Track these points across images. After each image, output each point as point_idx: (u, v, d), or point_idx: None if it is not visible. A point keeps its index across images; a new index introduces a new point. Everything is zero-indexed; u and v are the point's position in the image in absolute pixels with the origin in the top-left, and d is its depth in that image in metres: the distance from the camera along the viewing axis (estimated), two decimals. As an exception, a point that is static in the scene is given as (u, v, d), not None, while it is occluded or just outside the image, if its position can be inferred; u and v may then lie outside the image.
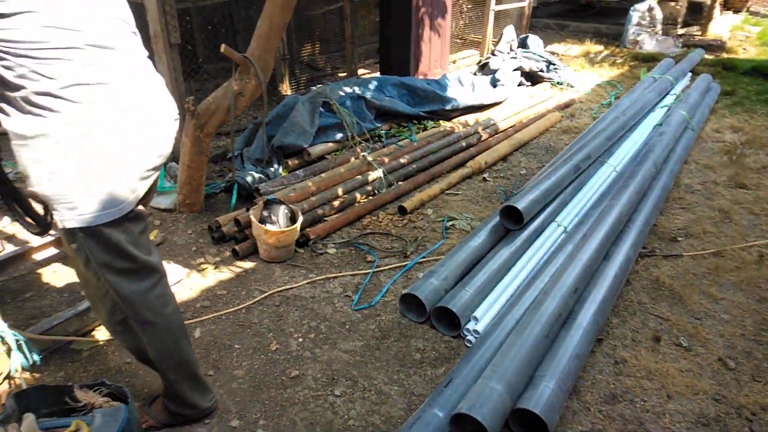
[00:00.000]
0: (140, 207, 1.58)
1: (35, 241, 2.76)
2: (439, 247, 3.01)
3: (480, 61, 6.16)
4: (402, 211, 3.33)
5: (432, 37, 5.31)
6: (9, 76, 1.30)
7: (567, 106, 5.27)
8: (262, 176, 3.52)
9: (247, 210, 3.06)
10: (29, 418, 1.37)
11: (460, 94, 4.85)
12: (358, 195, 3.43)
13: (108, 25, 1.44)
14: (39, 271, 2.78)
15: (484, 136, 4.40)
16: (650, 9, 7.39)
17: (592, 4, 9.93)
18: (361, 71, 5.79)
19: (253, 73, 2.90)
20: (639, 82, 5.31)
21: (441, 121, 4.68)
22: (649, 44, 7.24)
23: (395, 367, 2.20)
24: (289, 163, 3.75)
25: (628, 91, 5.18)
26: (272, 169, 3.64)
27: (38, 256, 2.70)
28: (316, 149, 3.86)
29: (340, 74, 5.71)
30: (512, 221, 2.80)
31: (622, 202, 2.91)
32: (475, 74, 5.78)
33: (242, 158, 3.73)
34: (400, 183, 3.64)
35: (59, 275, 2.76)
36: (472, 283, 2.43)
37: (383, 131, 4.30)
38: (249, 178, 3.41)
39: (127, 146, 1.45)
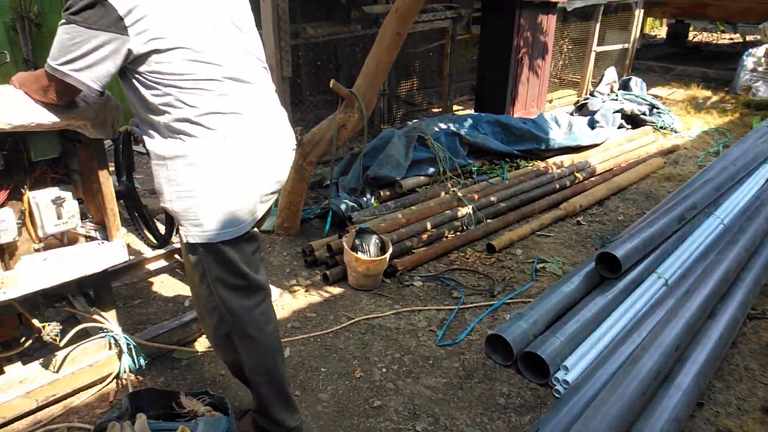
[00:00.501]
0: (255, 229, 1.69)
1: (148, 251, 3.01)
2: (528, 289, 2.95)
3: (578, 102, 6.04)
4: (490, 249, 3.31)
5: (530, 76, 5.30)
6: (157, 103, 1.46)
7: (670, 152, 5.03)
8: (355, 205, 3.63)
9: (340, 237, 3.16)
10: (142, 418, 1.49)
11: (555, 133, 4.78)
12: (446, 230, 3.45)
13: (244, 61, 1.58)
14: (149, 280, 3.02)
15: (580, 177, 4.29)
16: (767, 54, 6.94)
17: (699, 48, 9.49)
18: (455, 107, 5.87)
19: (357, 107, 3.04)
20: (751, 132, 4.98)
21: (535, 161, 4.63)
22: (764, 91, 6.79)
23: (478, 409, 2.16)
24: (382, 194, 3.84)
25: (738, 140, 4.87)
26: (365, 198, 3.75)
27: (150, 267, 2.94)
28: (409, 182, 3.94)
29: (434, 109, 5.81)
30: (608, 269, 2.70)
31: (730, 257, 2.72)
32: (572, 114, 5.68)
33: (338, 186, 3.87)
34: (489, 221, 3.63)
35: (166, 285, 2.98)
36: (563, 330, 2.36)
37: (475, 167, 4.32)
38: (343, 206, 3.53)
39: (251, 171, 1.57)
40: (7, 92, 1.61)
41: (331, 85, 2.93)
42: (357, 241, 2.91)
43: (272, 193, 1.68)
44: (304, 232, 3.53)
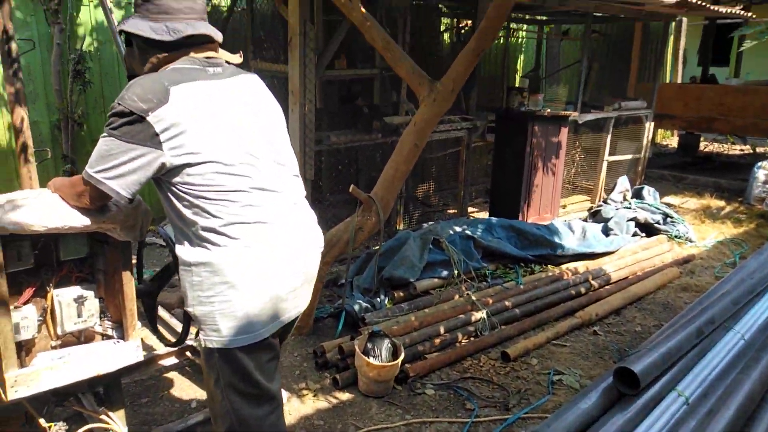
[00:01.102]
0: (275, 339, 1.70)
1: (161, 348, 3.01)
2: (545, 403, 2.86)
3: (591, 208, 6.14)
4: (505, 357, 3.24)
5: (543, 183, 5.45)
6: (186, 212, 1.54)
7: (686, 261, 5.01)
8: (369, 306, 3.64)
9: (352, 339, 3.14)
10: None
11: (569, 240, 4.83)
12: (460, 335, 3.41)
13: (273, 171, 1.67)
14: (159, 377, 2.99)
15: (595, 285, 4.27)
16: (778, 166, 7.08)
17: (710, 158, 9.72)
18: (470, 209, 6.00)
19: (374, 211, 3.14)
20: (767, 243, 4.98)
21: (549, 266, 4.64)
22: (778, 202, 6.85)
23: None
24: (396, 295, 3.85)
25: (754, 251, 4.85)
26: (379, 299, 3.76)
27: (161, 363, 2.92)
28: (423, 284, 3.96)
29: (449, 210, 5.94)
30: (627, 384, 2.62)
31: (754, 377, 2.63)
32: (585, 220, 5.75)
33: (352, 286, 3.90)
34: (503, 327, 3.58)
35: (176, 384, 2.95)
36: (580, 451, 2.25)
37: (489, 271, 4.34)
38: (356, 307, 3.54)
39: (274, 279, 1.61)
40: (44, 196, 1.72)
41: (350, 190, 3.05)
42: (369, 345, 2.89)
43: (297, 301, 1.71)
44: (316, 332, 3.52)
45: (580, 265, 4.62)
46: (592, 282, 4.28)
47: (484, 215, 5.86)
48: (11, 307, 1.70)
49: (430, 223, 5.06)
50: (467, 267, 4.18)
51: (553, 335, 3.52)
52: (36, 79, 4.90)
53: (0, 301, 1.64)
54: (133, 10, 1.64)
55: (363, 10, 2.90)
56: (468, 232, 4.41)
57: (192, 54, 1.62)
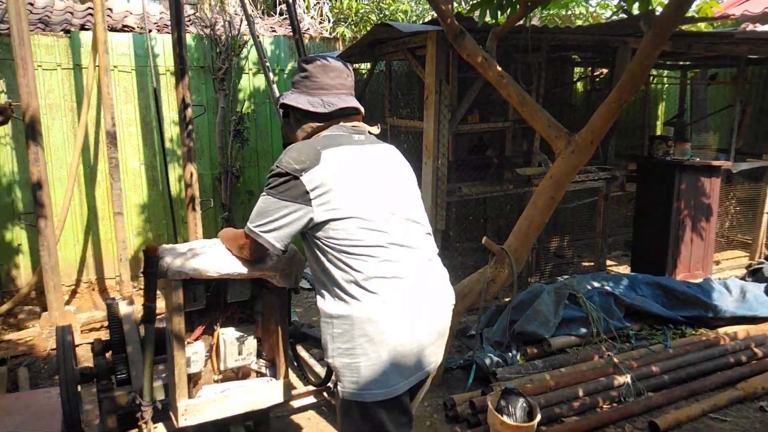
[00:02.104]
0: (408, 398, 1.74)
1: (300, 387, 3.18)
2: (702, 484, 2.55)
3: (750, 266, 5.50)
4: (653, 428, 2.96)
5: (693, 238, 5.01)
6: (329, 266, 1.66)
7: None
8: (500, 360, 3.55)
9: (483, 394, 3.08)
10: None
11: (726, 301, 4.34)
12: (600, 399, 3.19)
13: (408, 228, 1.75)
14: (297, 414, 3.15)
15: (759, 354, 3.78)
16: None
17: None
18: (608, 262, 5.66)
19: (507, 263, 3.11)
20: None
21: (702, 329, 4.20)
22: None
23: None
24: (528, 350, 3.72)
25: None
26: (510, 354, 3.66)
27: (301, 402, 3.09)
28: (558, 341, 3.78)
29: (585, 263, 5.66)
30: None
31: None
32: (743, 279, 5.15)
33: (482, 338, 3.84)
34: (650, 394, 3.29)
35: (311, 422, 3.08)
36: None
37: (633, 331, 4.03)
38: (488, 361, 3.47)
39: (410, 335, 1.67)
40: (217, 246, 1.96)
41: (483, 242, 3.07)
42: (502, 402, 2.81)
43: (431, 356, 1.75)
44: (446, 382, 3.50)
45: (740, 330, 4.12)
46: (756, 350, 3.79)
47: (624, 270, 5.50)
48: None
49: (565, 276, 4.85)
50: (607, 326, 3.93)
51: (710, 408, 3.15)
52: (203, 138, 5.60)
53: (178, 337, 1.87)
54: (291, 85, 1.87)
55: (498, 68, 2.98)
56: (608, 287, 4.16)
57: (341, 123, 1.81)
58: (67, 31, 5.19)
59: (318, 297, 1.74)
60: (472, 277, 3.26)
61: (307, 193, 1.62)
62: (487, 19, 3.20)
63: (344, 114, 1.80)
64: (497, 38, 3.09)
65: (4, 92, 4.87)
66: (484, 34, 3.29)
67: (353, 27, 6.91)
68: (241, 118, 5.54)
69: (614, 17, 5.78)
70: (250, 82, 5.78)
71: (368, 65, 5.84)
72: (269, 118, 5.89)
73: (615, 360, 3.47)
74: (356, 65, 5.88)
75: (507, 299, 4.52)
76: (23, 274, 5.16)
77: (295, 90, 1.82)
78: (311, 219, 1.64)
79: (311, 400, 3.14)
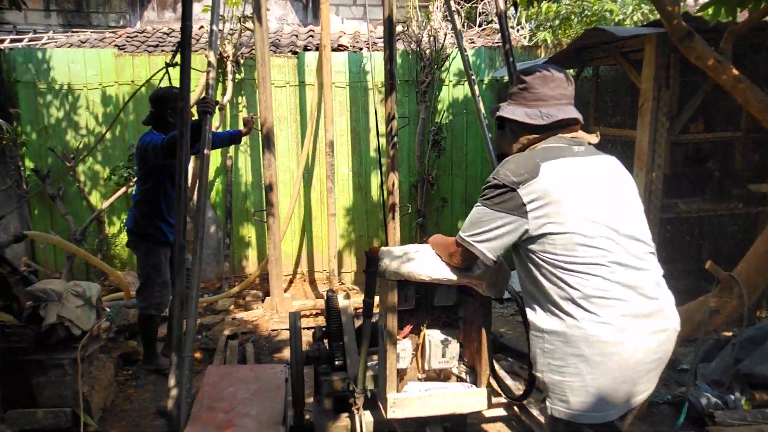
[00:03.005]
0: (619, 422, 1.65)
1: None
2: None
3: None
4: None
5: None
6: (542, 280, 1.63)
7: None
8: (719, 402, 3.13)
9: (698, 437, 2.75)
10: None
11: None
12: None
13: (631, 246, 1.64)
14: (486, 423, 3.16)
15: None
16: None
17: None
18: None
19: (736, 293, 2.74)
20: None
21: None
22: None
23: None
24: (756, 396, 3.22)
25: None
26: (732, 396, 3.20)
27: (491, 412, 3.09)
28: (797, 389, 3.21)
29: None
30: None
31: None
32: None
33: (696, 374, 3.42)
34: None
35: (501, 435, 3.07)
36: None
37: None
38: (703, 401, 3.09)
39: (630, 360, 1.57)
40: (428, 251, 2.06)
41: (707, 267, 2.74)
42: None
43: (646, 383, 1.63)
44: (650, 417, 3.20)
45: None
46: None
47: None
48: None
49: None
50: None
51: None
52: (402, 147, 5.92)
53: (391, 334, 2.02)
54: (508, 97, 1.87)
55: (735, 71, 2.64)
56: None
57: (559, 135, 1.76)
58: (294, 52, 5.92)
59: (528, 309, 1.73)
60: (691, 305, 2.93)
61: (524, 205, 1.62)
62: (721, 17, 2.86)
63: (563, 125, 1.75)
64: (734, 38, 2.75)
65: (244, 107, 5.75)
66: (713, 35, 2.95)
67: (553, 31, 6.69)
68: (439, 128, 5.75)
69: None
70: (450, 93, 5.96)
71: (572, 71, 5.61)
72: (465, 129, 6.01)
73: None
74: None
75: (729, 333, 3.97)
76: (251, 263, 6.01)
77: (513, 102, 1.82)
78: (526, 231, 1.63)
79: (501, 412, 3.12)
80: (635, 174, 3.73)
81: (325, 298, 2.64)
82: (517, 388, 3.03)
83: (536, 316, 1.69)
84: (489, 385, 2.12)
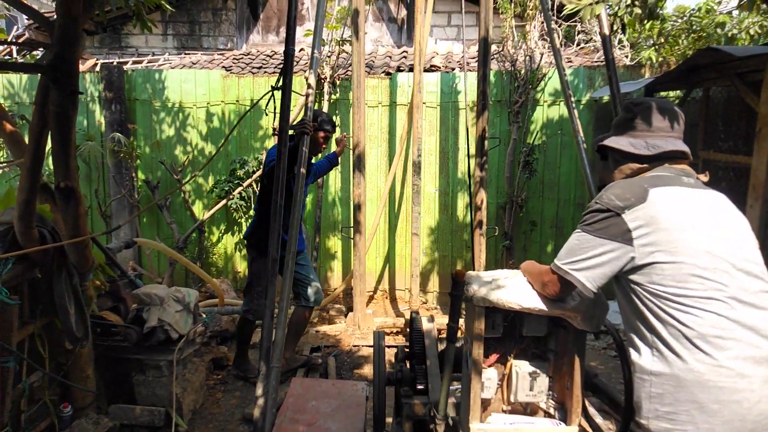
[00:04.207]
0: None
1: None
2: None
3: None
4: None
5: None
6: (648, 315, 1.51)
7: None
8: None
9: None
10: None
11: None
12: None
13: (749, 282, 1.48)
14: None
15: None
16: None
17: None
18: None
19: None
20: None
21: None
22: None
23: None
24: None
25: None
26: None
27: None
28: None
29: None
30: None
31: None
32: None
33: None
34: None
35: (590, 478, 2.87)
36: None
37: None
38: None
39: (752, 409, 1.42)
40: (519, 279, 1.99)
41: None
42: None
43: None
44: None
45: None
46: None
47: None
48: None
49: None
50: None
51: None
52: (491, 167, 5.83)
53: (476, 362, 1.96)
54: (612, 128, 1.80)
55: None
56: None
57: (666, 165, 1.66)
58: (387, 74, 6.03)
59: (631, 349, 1.61)
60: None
61: (629, 231, 1.52)
62: None
63: (670, 157, 1.67)
64: None
65: (339, 126, 5.92)
66: None
67: (657, 49, 6.34)
68: (531, 149, 5.60)
69: None
70: (544, 113, 5.81)
71: (679, 92, 5.28)
72: (559, 150, 5.82)
73: None
74: (663, 93, 5.37)
75: None
76: (336, 276, 6.14)
77: (617, 132, 1.76)
78: (631, 259, 1.53)
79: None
80: (750, 204, 3.42)
81: (410, 318, 2.62)
82: (608, 428, 2.84)
83: (641, 357, 1.56)
84: (580, 425, 2.00)
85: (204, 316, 3.87)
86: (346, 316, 5.31)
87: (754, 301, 1.48)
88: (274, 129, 5.33)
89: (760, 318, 1.47)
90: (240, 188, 5.68)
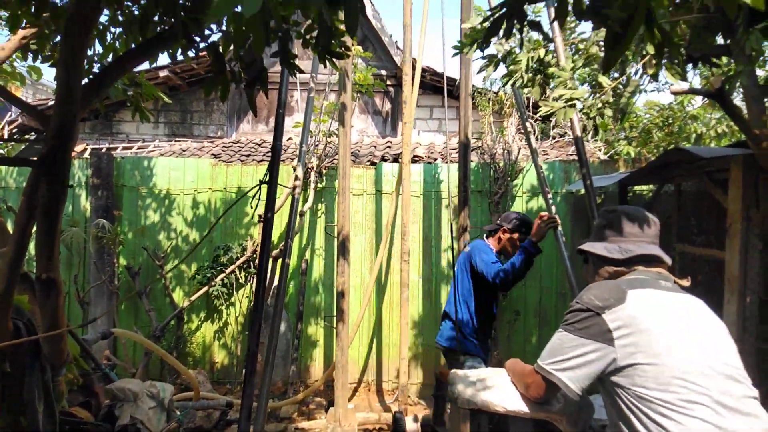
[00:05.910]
0: None
1: None
2: None
3: None
4: None
5: None
6: (635, 423, 1.49)
7: None
8: None
9: None
10: None
11: None
12: None
13: (731, 387, 1.49)
14: None
15: None
16: None
17: None
18: None
19: None
20: None
21: None
22: None
23: None
24: None
25: None
26: None
27: None
28: None
29: None
30: None
31: None
32: None
33: None
34: None
35: None
36: None
37: None
38: None
39: None
40: (504, 379, 1.98)
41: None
42: None
43: None
44: None
45: None
46: None
47: None
48: (468, 475, 1.94)
49: None
50: None
51: None
52: (475, 256, 5.89)
53: (462, 467, 1.90)
54: (591, 233, 1.93)
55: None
56: None
57: (641, 268, 1.73)
58: (372, 163, 6.22)
59: None
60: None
61: (610, 331, 1.55)
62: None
63: (644, 260, 1.74)
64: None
65: (323, 214, 6.01)
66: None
67: (630, 143, 6.68)
68: (514, 239, 5.69)
69: None
70: (523, 205, 5.97)
71: (651, 186, 5.50)
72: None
73: None
74: (637, 188, 5.59)
75: None
76: (317, 366, 5.97)
77: (594, 237, 1.87)
78: (613, 360, 1.54)
79: None
80: (726, 299, 3.48)
81: (393, 419, 2.55)
82: None
83: None
84: None
85: (179, 413, 3.70)
86: (326, 410, 5.11)
87: (739, 407, 1.48)
88: (260, 216, 5.39)
89: (744, 424, 1.47)
90: (222, 275, 5.63)
